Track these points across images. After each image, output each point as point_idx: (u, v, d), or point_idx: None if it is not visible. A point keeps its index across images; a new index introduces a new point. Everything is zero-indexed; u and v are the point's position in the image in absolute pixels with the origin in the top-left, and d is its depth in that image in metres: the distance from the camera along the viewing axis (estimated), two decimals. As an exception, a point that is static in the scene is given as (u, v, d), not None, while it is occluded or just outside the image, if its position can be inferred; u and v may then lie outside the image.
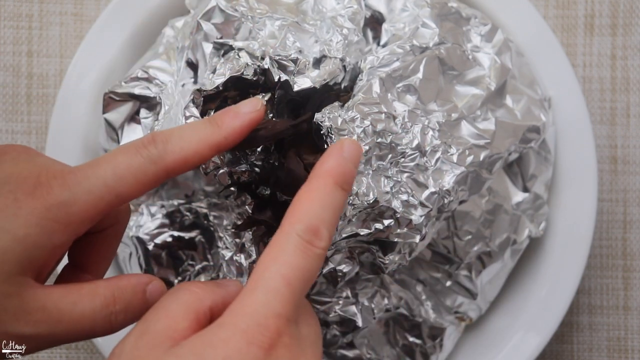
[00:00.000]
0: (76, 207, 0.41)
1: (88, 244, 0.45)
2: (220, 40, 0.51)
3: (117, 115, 0.54)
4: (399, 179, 0.49)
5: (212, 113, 0.50)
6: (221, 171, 0.50)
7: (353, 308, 0.53)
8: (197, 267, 0.55)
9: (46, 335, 0.42)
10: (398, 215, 0.49)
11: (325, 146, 0.48)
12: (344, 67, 0.51)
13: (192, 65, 0.52)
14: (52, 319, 0.42)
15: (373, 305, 0.54)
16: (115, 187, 0.42)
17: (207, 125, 0.44)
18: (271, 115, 0.50)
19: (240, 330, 0.39)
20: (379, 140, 0.49)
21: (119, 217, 0.46)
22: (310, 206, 0.41)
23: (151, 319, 0.41)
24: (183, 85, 0.52)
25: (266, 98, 0.50)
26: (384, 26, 0.54)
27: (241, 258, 0.53)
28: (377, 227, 0.49)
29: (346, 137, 0.48)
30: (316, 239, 0.41)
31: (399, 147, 0.49)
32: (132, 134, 0.54)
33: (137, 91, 0.53)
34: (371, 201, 0.48)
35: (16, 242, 0.41)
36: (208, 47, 0.51)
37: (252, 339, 0.38)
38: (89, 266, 0.46)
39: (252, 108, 0.46)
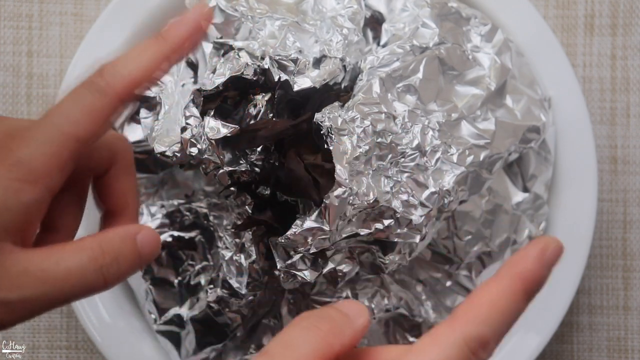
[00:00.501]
0: (38, 161, 0.40)
1: (105, 188, 0.45)
2: (220, 40, 0.51)
3: (117, 115, 0.54)
4: (399, 179, 0.49)
5: (212, 113, 0.50)
6: (221, 171, 0.50)
7: (353, 308, 0.53)
8: (197, 267, 0.55)
9: (34, 299, 0.40)
10: (398, 215, 0.49)
11: (325, 146, 0.48)
12: (344, 67, 0.51)
13: (192, 65, 0.52)
14: (37, 281, 0.40)
15: (373, 305, 0.54)
16: (73, 131, 0.41)
17: (152, 42, 0.44)
18: (271, 115, 0.50)
19: None
20: (379, 140, 0.49)
21: (115, 148, 0.45)
22: (490, 313, 0.37)
23: (278, 351, 0.37)
24: (183, 85, 0.52)
25: (266, 98, 0.50)
26: (384, 26, 0.54)
27: (241, 258, 0.53)
28: (377, 227, 0.49)
29: (551, 237, 0.40)
30: (482, 352, 0.36)
31: (399, 147, 0.49)
32: (132, 133, 0.54)
33: (137, 91, 0.53)
34: (371, 201, 0.48)
35: None
36: (208, 47, 0.51)
37: None
38: (119, 209, 0.45)
39: (195, 14, 0.45)
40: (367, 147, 0.48)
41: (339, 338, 0.38)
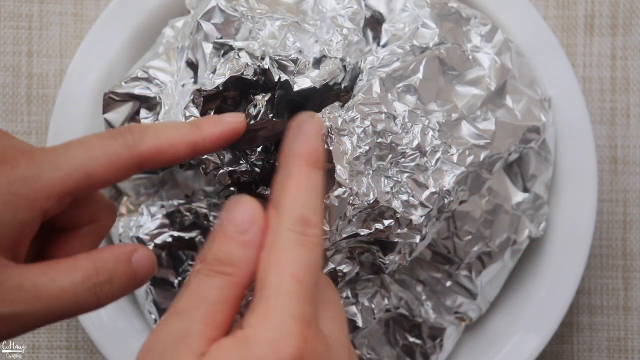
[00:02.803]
0: (41, 182, 0.40)
1: (64, 241, 0.44)
2: (220, 40, 0.51)
3: (117, 115, 0.54)
4: (399, 179, 0.49)
5: (212, 113, 0.50)
6: (221, 171, 0.50)
7: (353, 308, 0.53)
8: (197, 267, 0.55)
9: (27, 315, 0.40)
10: (398, 216, 0.49)
11: (326, 146, 0.48)
12: (344, 67, 0.51)
13: (192, 65, 0.52)
14: (30, 297, 0.40)
15: (373, 306, 0.54)
16: (86, 165, 0.41)
17: (185, 125, 0.44)
18: (271, 115, 0.50)
19: (268, 343, 0.37)
20: (379, 140, 0.49)
21: (99, 215, 0.45)
22: (292, 196, 0.40)
23: (190, 306, 0.39)
24: (183, 85, 0.52)
25: (266, 98, 0.50)
26: (384, 26, 0.54)
27: (241, 258, 0.53)
28: (377, 227, 0.49)
29: (302, 112, 0.46)
30: (308, 228, 0.40)
31: (399, 147, 0.49)
32: (132, 134, 0.54)
33: (137, 91, 0.53)
34: (371, 201, 0.48)
35: None
36: (208, 47, 0.51)
37: (282, 352, 0.37)
38: None
39: (234, 119, 0.46)
40: (367, 147, 0.48)
41: (245, 274, 0.40)
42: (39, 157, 0.41)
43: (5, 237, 0.40)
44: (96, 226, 0.45)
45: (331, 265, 0.51)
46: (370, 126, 0.48)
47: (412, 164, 0.49)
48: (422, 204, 0.49)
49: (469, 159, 0.50)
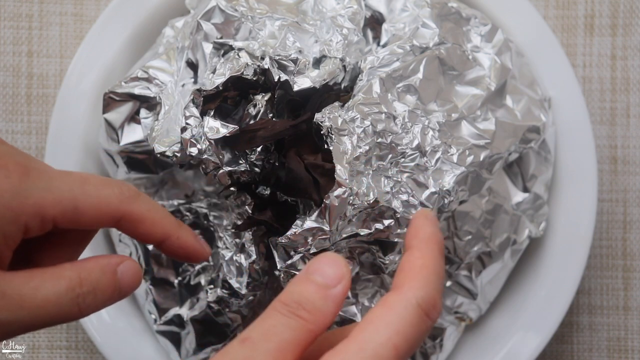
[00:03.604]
0: (32, 199, 0.40)
1: (49, 245, 0.44)
2: (220, 40, 0.51)
3: (117, 115, 0.54)
4: (399, 179, 0.49)
5: (212, 113, 0.50)
6: (221, 171, 0.50)
7: (353, 308, 0.53)
8: (197, 267, 0.55)
9: (10, 322, 0.40)
10: (398, 215, 0.49)
11: (325, 146, 0.48)
12: (344, 67, 0.51)
13: (192, 65, 0.52)
14: (14, 305, 0.40)
15: (373, 305, 0.54)
16: (78, 198, 0.41)
17: (174, 220, 0.45)
18: (271, 115, 0.50)
19: None
20: (379, 140, 0.49)
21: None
22: (429, 275, 0.40)
23: (260, 338, 0.39)
24: (183, 85, 0.52)
25: (266, 98, 0.50)
26: (384, 26, 0.54)
27: (241, 258, 0.53)
28: (377, 227, 0.49)
29: (425, 209, 0.48)
30: (434, 311, 0.40)
31: (399, 147, 0.49)
32: (132, 134, 0.54)
33: (137, 91, 0.53)
34: (371, 201, 0.48)
35: None
36: (208, 47, 0.51)
37: None
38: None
39: (197, 250, 0.46)
40: (367, 147, 0.48)
41: (320, 324, 0.39)
42: (34, 174, 0.41)
43: None
44: (82, 231, 0.45)
45: (331, 265, 0.51)
46: (370, 126, 0.48)
47: (412, 164, 0.49)
48: (422, 204, 0.49)
49: (469, 159, 0.50)
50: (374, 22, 0.55)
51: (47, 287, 0.41)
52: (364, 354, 0.38)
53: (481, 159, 0.51)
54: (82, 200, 0.41)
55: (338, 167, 0.48)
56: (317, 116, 0.49)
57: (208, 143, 0.49)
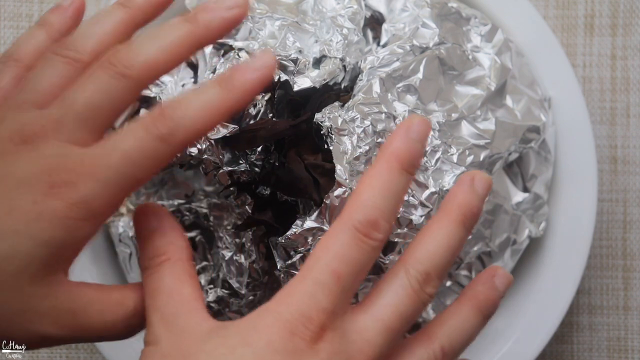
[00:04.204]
0: (96, 202, 0.40)
1: None
2: (220, 40, 0.51)
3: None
4: (399, 179, 0.49)
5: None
6: (221, 171, 0.50)
7: (353, 308, 0.53)
8: (197, 267, 0.55)
9: (67, 338, 0.42)
10: (398, 215, 0.49)
11: (325, 146, 0.48)
12: (344, 67, 0.51)
13: (192, 65, 0.52)
14: (77, 326, 0.41)
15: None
16: (131, 173, 0.41)
17: (216, 89, 0.41)
18: (271, 115, 0.50)
19: (284, 319, 0.39)
20: (379, 140, 0.49)
21: None
22: (371, 193, 0.40)
23: (163, 306, 0.41)
24: (183, 85, 0.52)
25: (266, 98, 0.50)
26: (384, 26, 0.54)
27: (241, 258, 0.53)
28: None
29: (415, 114, 0.47)
30: (373, 231, 0.40)
31: (399, 147, 0.49)
32: (132, 134, 0.54)
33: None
34: (371, 201, 0.48)
35: (42, 245, 0.40)
36: (208, 47, 0.51)
37: (295, 329, 0.39)
38: None
39: (263, 63, 0.42)
40: (367, 147, 0.48)
41: (182, 251, 0.43)
42: (85, 175, 0.40)
43: (65, 256, 0.41)
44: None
45: (331, 265, 0.51)
46: (370, 126, 0.48)
47: (412, 164, 0.49)
48: (422, 204, 0.49)
49: (469, 159, 0.50)
50: (374, 22, 0.55)
51: (109, 313, 0.42)
52: (305, 281, 0.39)
53: (481, 159, 0.51)
54: (136, 171, 0.41)
55: (338, 167, 0.48)
56: (317, 116, 0.49)
57: (208, 143, 0.49)
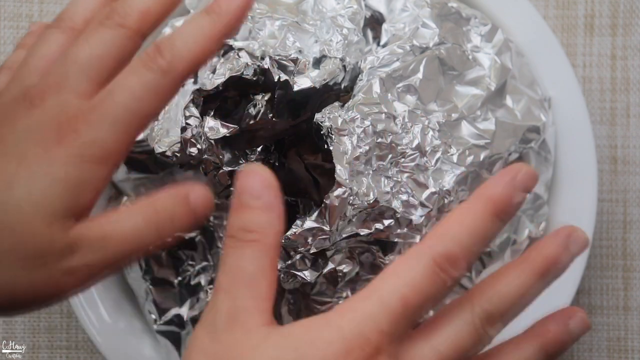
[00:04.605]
0: (109, 142, 0.40)
1: None
2: (220, 40, 0.51)
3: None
4: (399, 179, 0.49)
5: (211, 113, 0.50)
6: (221, 171, 0.50)
7: (353, 308, 0.53)
8: (197, 267, 0.55)
9: (97, 263, 0.40)
10: (398, 215, 0.49)
11: (325, 146, 0.48)
12: (344, 67, 0.51)
13: (192, 65, 0.52)
14: (98, 247, 0.40)
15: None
16: (138, 109, 0.41)
17: (206, 18, 0.42)
18: (271, 115, 0.50)
19: (343, 336, 0.38)
20: (379, 140, 0.49)
21: None
22: (458, 230, 0.39)
23: (238, 294, 0.40)
24: (183, 85, 0.52)
25: (266, 98, 0.50)
26: (384, 26, 0.54)
27: (241, 258, 0.53)
28: (377, 227, 0.49)
29: (525, 163, 0.45)
30: (451, 268, 0.39)
31: (399, 147, 0.49)
32: (132, 134, 0.54)
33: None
34: (371, 201, 0.48)
35: (57, 182, 0.39)
36: (208, 47, 0.51)
37: (352, 350, 0.38)
38: None
39: None
40: (367, 147, 0.48)
41: (272, 236, 0.40)
42: (94, 118, 0.40)
43: (83, 196, 0.40)
44: None
45: (331, 265, 0.51)
46: (370, 126, 0.48)
47: (412, 164, 0.49)
48: (422, 204, 0.49)
49: (469, 159, 0.50)
50: (374, 22, 0.55)
51: (126, 222, 0.41)
52: (370, 299, 0.39)
53: (481, 159, 0.51)
54: (143, 107, 0.41)
55: (338, 167, 0.48)
56: (317, 116, 0.49)
57: (208, 143, 0.49)
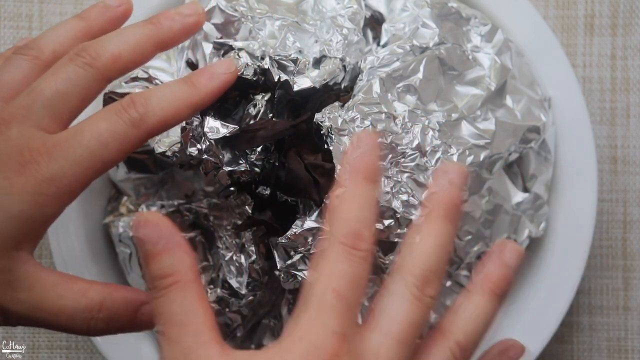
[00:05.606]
0: (66, 179, 0.42)
1: None
2: (220, 40, 0.51)
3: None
4: (399, 179, 0.49)
5: (211, 113, 0.50)
6: (221, 171, 0.50)
7: (353, 308, 0.53)
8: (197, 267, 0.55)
9: (26, 317, 0.42)
10: (398, 216, 0.49)
11: (326, 146, 0.48)
12: (344, 67, 0.51)
13: (192, 65, 0.52)
14: (34, 304, 0.42)
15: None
16: (101, 154, 0.42)
17: (184, 86, 0.45)
18: (271, 115, 0.50)
19: (299, 355, 0.38)
20: (379, 140, 0.49)
21: None
22: (347, 209, 0.41)
23: (180, 338, 0.40)
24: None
25: (266, 98, 0.50)
26: (384, 26, 0.54)
27: (241, 258, 0.53)
28: (377, 227, 0.49)
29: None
30: (360, 242, 0.40)
31: (399, 147, 0.49)
32: (132, 134, 0.54)
33: (137, 91, 0.53)
34: (371, 201, 0.48)
35: (11, 219, 0.41)
36: (208, 47, 0.51)
37: None
38: None
39: (226, 69, 0.47)
40: (367, 147, 0.48)
41: (191, 270, 0.41)
42: (57, 154, 0.42)
43: (33, 232, 0.42)
44: None
45: (331, 265, 0.51)
46: (370, 126, 0.48)
47: (412, 164, 0.49)
48: (422, 204, 0.49)
49: (469, 159, 0.50)
50: (374, 22, 0.55)
51: (69, 299, 0.42)
52: (309, 308, 0.39)
53: (481, 159, 0.51)
54: (106, 154, 0.43)
55: (338, 167, 0.48)
56: (317, 116, 0.49)
57: (208, 143, 0.49)
